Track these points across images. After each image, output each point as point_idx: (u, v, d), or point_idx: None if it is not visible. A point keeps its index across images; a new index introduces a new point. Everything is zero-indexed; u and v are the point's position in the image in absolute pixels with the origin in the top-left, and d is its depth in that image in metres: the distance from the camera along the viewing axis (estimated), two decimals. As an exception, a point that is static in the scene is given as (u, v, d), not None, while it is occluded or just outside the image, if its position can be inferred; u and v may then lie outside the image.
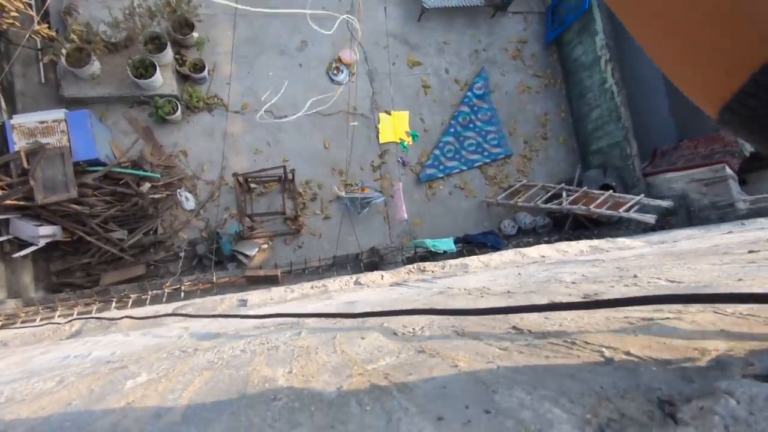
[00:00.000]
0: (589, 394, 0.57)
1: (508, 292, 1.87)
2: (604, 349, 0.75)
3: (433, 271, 3.52)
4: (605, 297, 1.41)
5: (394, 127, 7.76)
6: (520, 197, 7.58)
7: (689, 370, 0.60)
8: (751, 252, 2.07)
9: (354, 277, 3.62)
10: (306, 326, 1.61)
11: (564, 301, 1.42)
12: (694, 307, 0.95)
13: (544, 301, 1.50)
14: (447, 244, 6.53)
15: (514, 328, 1.06)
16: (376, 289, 3.10)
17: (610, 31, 7.81)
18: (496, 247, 6.69)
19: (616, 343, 0.77)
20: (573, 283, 1.84)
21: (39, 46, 5.88)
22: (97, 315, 3.64)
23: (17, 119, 5.34)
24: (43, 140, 5.32)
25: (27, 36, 5.19)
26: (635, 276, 1.74)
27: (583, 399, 0.56)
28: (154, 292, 5.18)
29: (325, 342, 1.25)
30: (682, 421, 0.50)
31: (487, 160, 8.19)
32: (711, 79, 0.36)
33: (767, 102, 0.33)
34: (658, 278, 1.62)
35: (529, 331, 1.00)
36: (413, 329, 1.25)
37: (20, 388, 1.15)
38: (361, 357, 1.00)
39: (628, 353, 0.71)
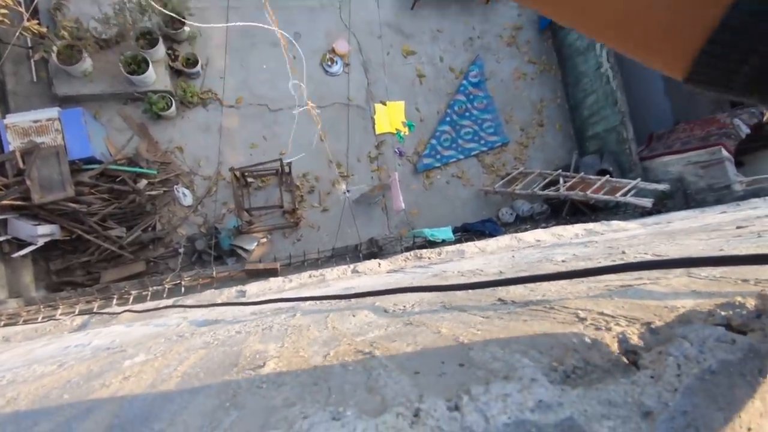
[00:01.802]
0: (558, 346, 0.60)
1: (500, 272, 1.90)
2: (579, 311, 0.78)
3: (429, 258, 3.55)
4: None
5: (390, 117, 7.75)
6: (517, 185, 7.60)
7: (656, 324, 0.63)
8: (738, 227, 2.09)
9: (352, 266, 3.65)
10: (301, 309, 1.65)
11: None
12: (672, 273, 0.98)
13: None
14: (445, 233, 6.56)
15: (499, 300, 1.09)
16: (374, 276, 3.13)
17: (604, 16, 7.76)
18: (494, 235, 6.70)
19: (591, 306, 0.80)
20: (563, 261, 1.87)
21: (29, 44, 5.84)
22: (97, 311, 3.69)
23: (10, 119, 5.33)
24: (38, 139, 5.32)
25: (17, 33, 5.16)
26: (623, 252, 1.77)
27: (552, 351, 0.59)
28: (155, 288, 5.22)
29: (318, 321, 1.28)
30: (642, 366, 0.53)
31: (484, 149, 8.19)
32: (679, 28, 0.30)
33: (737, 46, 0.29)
34: (645, 254, 1.65)
35: (513, 301, 1.03)
36: (404, 306, 1.28)
37: (22, 372, 1.19)
38: (351, 331, 1.03)
39: (601, 313, 0.74)
